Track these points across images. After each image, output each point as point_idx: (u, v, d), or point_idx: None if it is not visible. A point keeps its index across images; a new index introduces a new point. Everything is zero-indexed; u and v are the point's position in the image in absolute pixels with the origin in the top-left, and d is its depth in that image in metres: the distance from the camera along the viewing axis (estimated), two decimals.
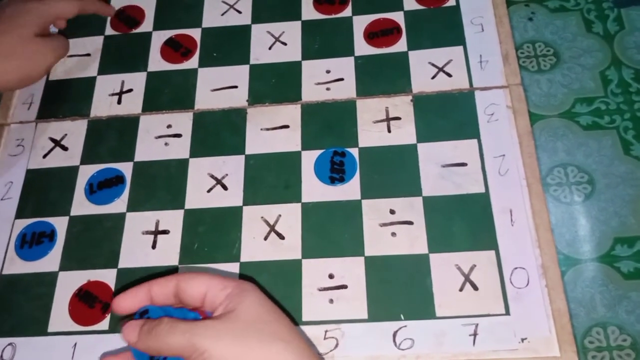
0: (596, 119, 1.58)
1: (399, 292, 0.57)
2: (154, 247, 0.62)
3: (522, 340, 0.54)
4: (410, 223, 0.60)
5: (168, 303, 0.46)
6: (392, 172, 0.63)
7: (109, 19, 0.78)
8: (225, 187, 0.65)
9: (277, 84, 0.71)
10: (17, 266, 0.63)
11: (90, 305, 0.60)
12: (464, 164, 0.63)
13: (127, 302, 0.46)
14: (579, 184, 1.50)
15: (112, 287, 0.61)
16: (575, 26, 1.73)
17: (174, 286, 0.45)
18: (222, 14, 0.77)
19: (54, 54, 0.72)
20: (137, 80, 0.73)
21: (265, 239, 0.61)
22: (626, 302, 1.35)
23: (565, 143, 1.56)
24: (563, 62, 1.67)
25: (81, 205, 0.66)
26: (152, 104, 0.71)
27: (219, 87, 0.71)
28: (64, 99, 0.73)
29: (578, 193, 1.49)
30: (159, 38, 0.76)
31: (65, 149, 0.70)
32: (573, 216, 1.47)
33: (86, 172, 0.68)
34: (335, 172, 0.64)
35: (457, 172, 0.63)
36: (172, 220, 0.64)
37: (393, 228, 0.60)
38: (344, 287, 0.58)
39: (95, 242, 0.63)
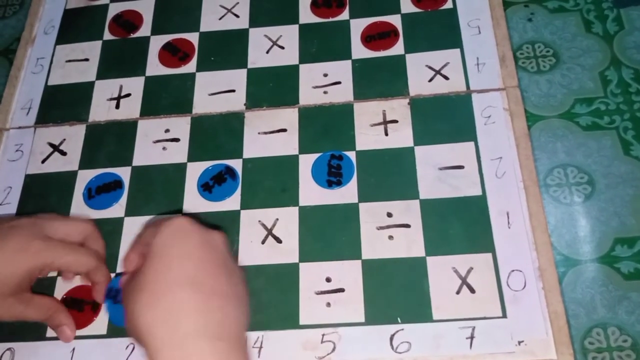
0: (596, 120, 1.58)
1: (396, 295, 0.57)
2: None
3: (519, 342, 0.54)
4: (408, 226, 0.61)
5: None
6: (389, 175, 0.63)
7: (107, 23, 0.79)
8: None
9: (274, 87, 0.71)
10: None
11: (79, 309, 0.60)
12: (461, 167, 0.63)
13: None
14: (579, 185, 1.50)
15: None
16: (574, 26, 1.73)
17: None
18: (220, 18, 0.77)
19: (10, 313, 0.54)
20: (135, 85, 0.74)
21: (263, 242, 0.61)
22: (626, 302, 1.35)
23: (564, 144, 1.55)
24: (562, 62, 1.67)
25: (80, 210, 0.66)
26: (150, 108, 0.72)
27: (217, 91, 0.72)
28: (62, 104, 0.74)
29: (578, 194, 1.49)
30: (156, 42, 0.76)
31: (63, 153, 0.70)
32: (573, 217, 1.46)
33: (85, 177, 0.68)
34: (332, 175, 0.64)
35: (454, 175, 0.63)
36: None
37: (390, 231, 0.60)
38: (341, 290, 0.58)
39: None
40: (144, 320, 0.43)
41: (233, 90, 0.71)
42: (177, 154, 0.68)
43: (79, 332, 0.59)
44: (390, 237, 0.60)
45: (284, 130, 0.68)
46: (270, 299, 0.59)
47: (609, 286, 1.37)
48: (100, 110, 0.72)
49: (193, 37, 0.76)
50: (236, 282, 0.47)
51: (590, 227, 1.45)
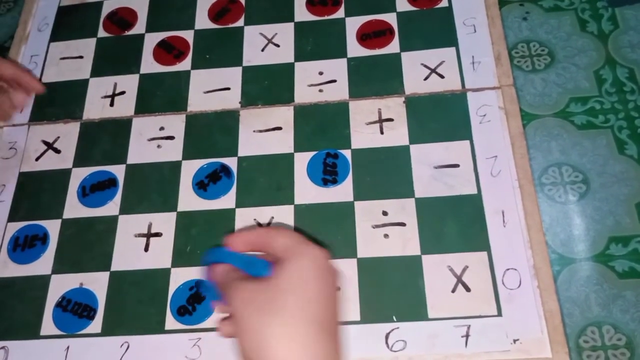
0: (591, 119, 1.58)
1: (392, 293, 0.57)
2: (146, 249, 0.62)
3: (514, 341, 0.54)
4: (403, 224, 0.60)
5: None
6: (385, 174, 0.63)
7: (101, 20, 0.78)
8: None
9: (269, 85, 0.71)
10: (10, 269, 0.63)
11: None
12: (456, 166, 0.63)
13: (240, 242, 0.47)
14: (574, 184, 1.50)
15: (105, 288, 0.61)
16: (569, 25, 1.73)
17: (265, 239, 0.45)
18: None
19: None
20: (129, 83, 0.73)
21: None
22: (621, 301, 1.36)
23: (559, 142, 1.56)
24: (557, 61, 1.67)
25: (74, 208, 0.66)
26: (144, 106, 0.71)
27: (212, 89, 0.71)
28: (56, 101, 0.73)
29: (573, 192, 1.49)
30: (151, 40, 0.76)
31: (57, 151, 0.70)
32: (568, 215, 1.47)
33: (79, 175, 0.67)
34: (328, 173, 0.64)
35: (449, 174, 0.63)
36: (165, 222, 0.64)
37: (385, 230, 0.60)
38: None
39: (88, 245, 0.63)
40: (277, 347, 0.40)
41: (228, 88, 0.71)
42: (172, 152, 0.68)
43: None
44: (386, 236, 0.60)
45: (279, 128, 0.68)
46: None
47: (604, 285, 1.38)
48: (95, 108, 0.72)
49: (188, 35, 0.76)
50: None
51: (585, 225, 1.45)
